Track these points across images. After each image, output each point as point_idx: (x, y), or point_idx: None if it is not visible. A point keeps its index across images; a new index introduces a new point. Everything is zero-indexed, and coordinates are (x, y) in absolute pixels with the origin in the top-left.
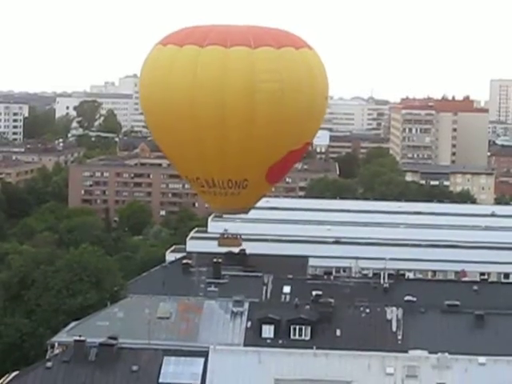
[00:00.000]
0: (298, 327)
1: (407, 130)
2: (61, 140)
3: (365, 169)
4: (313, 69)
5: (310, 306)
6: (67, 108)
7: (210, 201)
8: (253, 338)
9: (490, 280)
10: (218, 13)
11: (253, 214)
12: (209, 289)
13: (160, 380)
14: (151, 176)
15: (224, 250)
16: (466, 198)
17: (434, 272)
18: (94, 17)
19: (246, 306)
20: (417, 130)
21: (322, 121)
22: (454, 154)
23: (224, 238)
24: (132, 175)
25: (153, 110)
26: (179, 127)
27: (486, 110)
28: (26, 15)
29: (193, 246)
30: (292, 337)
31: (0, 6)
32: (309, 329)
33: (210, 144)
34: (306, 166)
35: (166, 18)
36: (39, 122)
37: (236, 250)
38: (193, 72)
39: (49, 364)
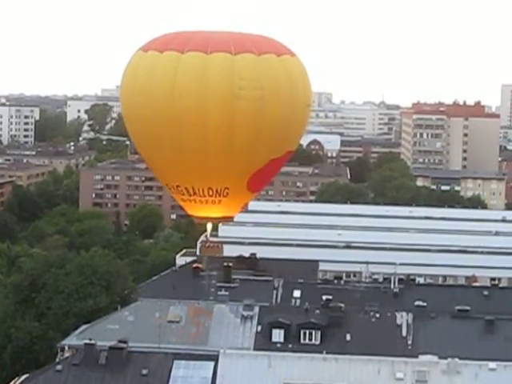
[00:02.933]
0: (307, 331)
1: (418, 135)
2: (72, 143)
3: (376, 173)
4: (294, 76)
5: (320, 310)
6: (78, 111)
7: (190, 209)
8: (263, 342)
9: (500, 285)
10: (212, 18)
11: (263, 218)
12: (219, 293)
13: None
14: None
15: (234, 253)
16: (476, 203)
17: (445, 277)
18: (106, 21)
19: (256, 310)
20: (428, 134)
21: (305, 129)
22: (464, 159)
23: (206, 247)
24: (143, 179)
25: (133, 116)
26: (159, 133)
27: (497, 115)
28: (38, 19)
29: None
30: (302, 341)
31: (13, 11)
32: (319, 333)
33: (190, 151)
34: (316, 171)
35: (177, 21)
36: (50, 125)
37: (246, 254)
38: (172, 78)
39: (59, 367)
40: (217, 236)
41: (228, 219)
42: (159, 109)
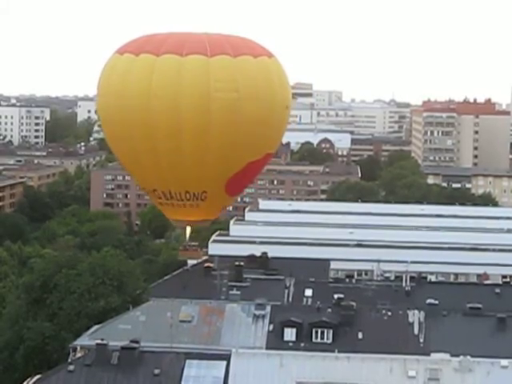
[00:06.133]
0: (319, 330)
1: (429, 133)
2: (82, 144)
3: (386, 172)
4: (272, 77)
5: (332, 309)
6: (89, 112)
7: (168, 213)
8: (275, 341)
9: None
10: (200, 19)
11: (275, 217)
12: (231, 292)
13: (182, 383)
14: None
15: (246, 253)
16: (487, 200)
17: (456, 275)
18: (115, 22)
19: (268, 309)
20: (438, 132)
21: (284, 131)
22: (475, 156)
23: (184, 250)
24: None
25: (109, 119)
26: (134, 137)
27: (507, 113)
28: (49, 20)
29: (215, 249)
30: (314, 340)
31: (25, 11)
32: (331, 332)
33: (166, 154)
34: (327, 169)
35: (185, 22)
36: (61, 125)
37: (257, 253)
38: (148, 81)
39: (71, 367)
40: (228, 235)
41: (207, 223)
42: (134, 112)
